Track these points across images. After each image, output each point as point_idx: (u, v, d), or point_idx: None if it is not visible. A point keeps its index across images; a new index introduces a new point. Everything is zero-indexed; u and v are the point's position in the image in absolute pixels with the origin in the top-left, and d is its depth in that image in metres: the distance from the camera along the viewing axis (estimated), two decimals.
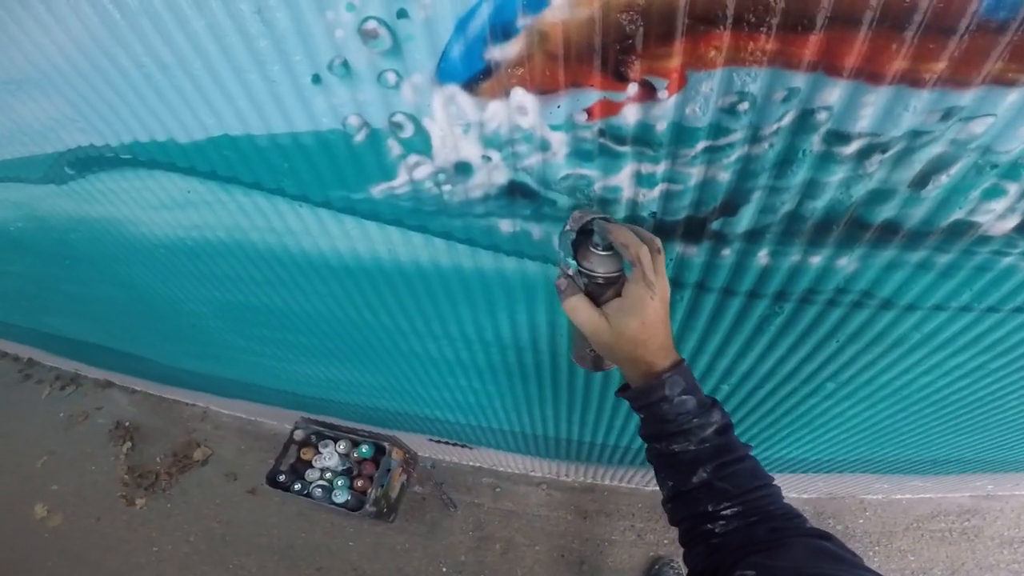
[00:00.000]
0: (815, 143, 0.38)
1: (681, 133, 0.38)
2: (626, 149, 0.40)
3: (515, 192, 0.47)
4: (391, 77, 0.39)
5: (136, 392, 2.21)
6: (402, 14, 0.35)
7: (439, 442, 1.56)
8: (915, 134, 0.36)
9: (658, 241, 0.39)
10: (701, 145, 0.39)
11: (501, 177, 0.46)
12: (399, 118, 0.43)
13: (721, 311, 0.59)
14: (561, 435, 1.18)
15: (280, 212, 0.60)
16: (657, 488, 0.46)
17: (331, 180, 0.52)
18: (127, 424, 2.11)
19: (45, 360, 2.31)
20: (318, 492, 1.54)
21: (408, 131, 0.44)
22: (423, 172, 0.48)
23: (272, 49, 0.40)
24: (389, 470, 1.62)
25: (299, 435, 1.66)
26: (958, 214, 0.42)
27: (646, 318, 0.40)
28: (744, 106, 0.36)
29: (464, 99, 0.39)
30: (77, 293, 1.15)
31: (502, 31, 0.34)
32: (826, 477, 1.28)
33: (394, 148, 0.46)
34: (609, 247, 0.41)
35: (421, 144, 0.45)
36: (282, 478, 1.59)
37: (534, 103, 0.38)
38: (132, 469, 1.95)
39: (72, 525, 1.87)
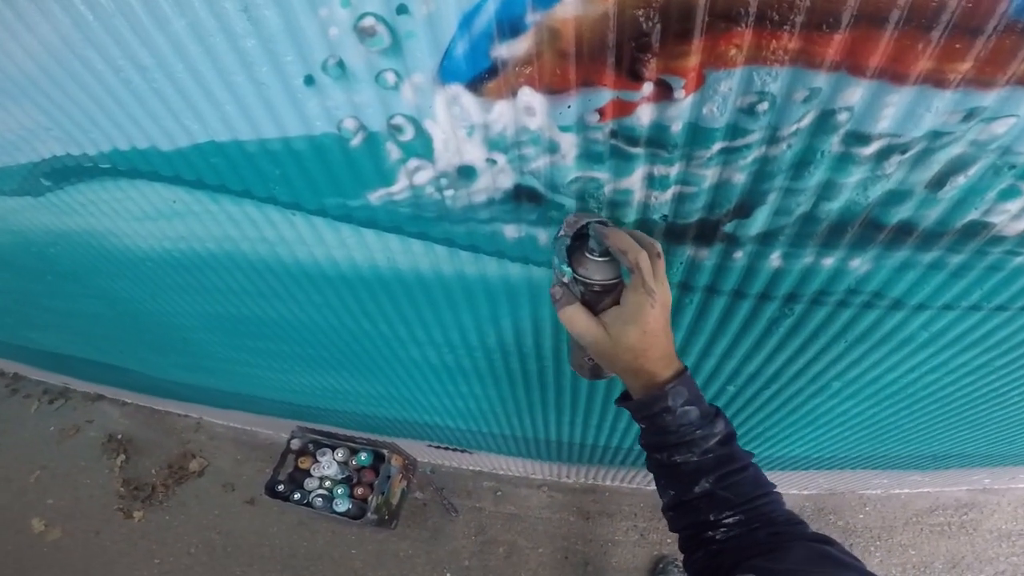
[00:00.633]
0: (834, 144, 0.37)
1: (697, 134, 0.37)
2: (639, 151, 0.39)
3: (521, 196, 0.46)
4: (390, 77, 0.37)
5: (127, 404, 2.16)
6: (402, 10, 0.32)
7: (439, 448, 1.54)
8: (935, 135, 0.35)
9: (658, 245, 0.38)
10: (717, 146, 0.37)
11: (507, 181, 0.44)
12: (399, 120, 0.41)
13: (731, 314, 0.58)
14: (563, 438, 1.17)
15: (272, 221, 0.57)
16: None
17: (326, 187, 0.50)
18: (120, 436, 2.06)
19: (32, 375, 2.25)
20: (319, 501, 1.52)
21: (408, 134, 0.42)
22: (424, 177, 0.46)
23: (260, 49, 0.37)
24: (389, 477, 1.59)
25: (296, 444, 1.63)
26: (973, 215, 0.41)
27: (646, 327, 0.38)
28: (763, 106, 0.34)
29: (468, 100, 0.37)
30: (61, 308, 1.11)
31: (510, 28, 0.32)
32: (827, 473, 1.29)
33: (393, 152, 0.44)
34: (606, 253, 0.39)
35: (422, 147, 0.43)
36: (281, 488, 1.57)
37: (543, 103, 0.36)
38: (127, 482, 1.92)
39: (72, 539, 1.84)
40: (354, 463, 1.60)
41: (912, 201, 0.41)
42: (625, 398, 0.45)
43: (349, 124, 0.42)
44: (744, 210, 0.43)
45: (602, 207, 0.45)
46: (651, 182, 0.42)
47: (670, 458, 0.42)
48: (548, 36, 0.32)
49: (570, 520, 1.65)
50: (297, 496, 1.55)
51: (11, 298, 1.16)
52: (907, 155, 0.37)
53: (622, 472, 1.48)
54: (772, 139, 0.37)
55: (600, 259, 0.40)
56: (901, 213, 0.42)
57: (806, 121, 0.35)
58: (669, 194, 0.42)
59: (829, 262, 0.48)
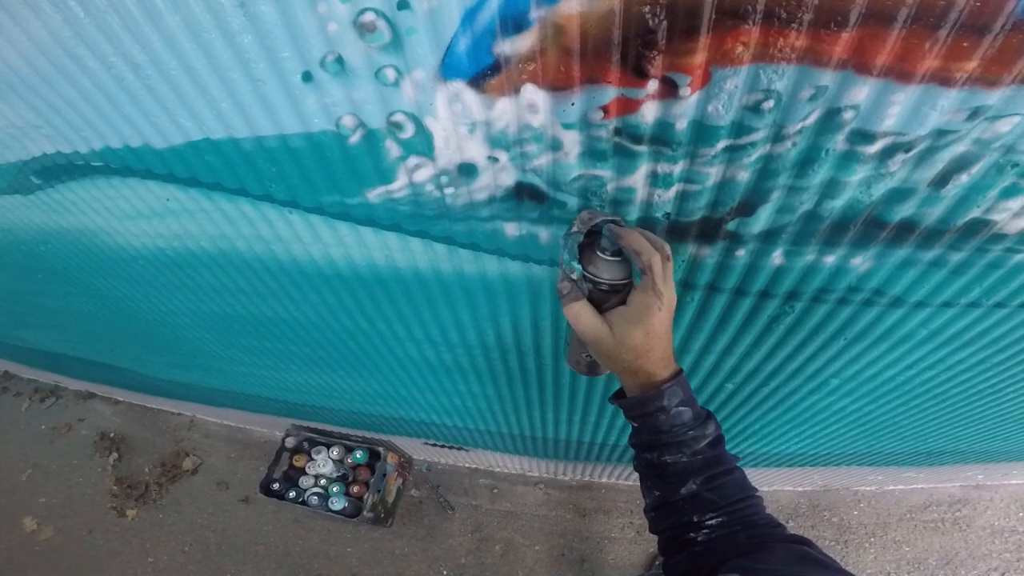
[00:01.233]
0: (839, 142, 0.36)
1: (702, 132, 0.36)
2: (643, 149, 0.38)
3: (523, 194, 0.45)
4: (390, 74, 0.36)
5: (119, 403, 2.14)
6: (403, 5, 0.32)
7: (435, 445, 1.53)
8: (940, 133, 0.35)
9: (667, 247, 0.38)
10: (722, 144, 0.37)
11: (508, 179, 0.44)
12: (399, 117, 0.40)
13: (731, 311, 0.58)
14: (560, 435, 1.17)
15: (268, 219, 0.56)
16: None
17: (323, 185, 0.49)
18: (112, 435, 2.04)
19: (23, 373, 2.22)
20: (314, 500, 1.51)
21: (408, 131, 0.41)
22: (424, 175, 0.45)
23: (257, 45, 0.36)
24: (385, 475, 1.59)
25: (291, 442, 1.62)
26: (975, 212, 0.41)
27: (651, 329, 0.39)
28: (769, 104, 0.34)
29: (470, 96, 0.37)
30: (52, 307, 1.09)
31: (513, 24, 0.31)
32: (822, 470, 1.30)
33: (393, 149, 0.43)
34: (617, 252, 0.39)
35: (422, 145, 0.42)
36: (276, 486, 1.56)
37: (546, 100, 0.36)
38: (120, 480, 1.90)
39: (64, 537, 1.82)
40: (349, 461, 1.60)
41: (915, 199, 0.41)
42: (619, 395, 0.45)
43: (348, 121, 0.41)
44: (747, 208, 0.43)
45: (605, 205, 0.44)
46: (654, 180, 0.41)
47: (660, 458, 0.42)
48: (552, 32, 0.31)
49: (566, 517, 1.65)
50: (292, 494, 1.54)
51: (3, 297, 1.14)
52: (911, 153, 0.37)
53: (618, 469, 1.49)
54: (777, 137, 0.36)
55: (611, 259, 0.39)
56: (904, 211, 0.42)
57: (811, 119, 0.35)
58: (672, 192, 0.42)
59: (831, 260, 0.48)
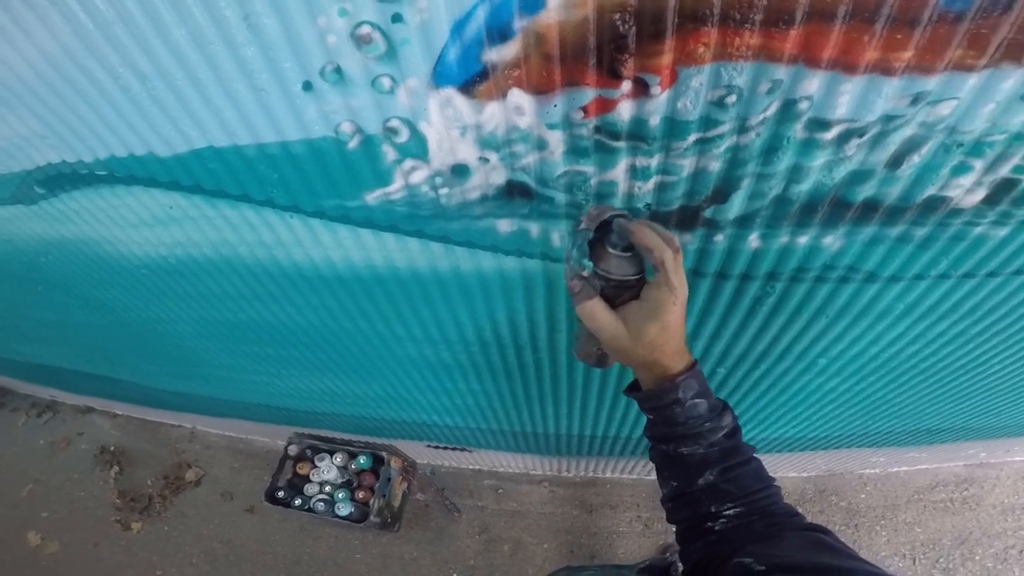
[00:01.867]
0: (798, 131, 0.40)
1: (673, 127, 0.39)
2: (621, 144, 0.41)
3: (513, 192, 0.48)
4: (386, 82, 0.39)
5: (118, 416, 2.13)
6: (397, 18, 0.35)
7: (438, 447, 1.55)
8: (888, 118, 0.39)
9: (676, 240, 0.38)
10: (693, 137, 0.40)
11: (499, 177, 0.47)
12: (394, 123, 0.43)
13: (716, 295, 0.61)
14: (562, 431, 1.19)
15: (270, 224, 0.59)
16: None
17: (323, 189, 0.51)
18: (112, 448, 2.03)
19: (19, 388, 2.20)
20: (320, 506, 1.52)
21: (403, 136, 0.44)
22: (419, 176, 0.48)
23: (260, 57, 0.39)
24: (389, 479, 1.60)
25: (294, 450, 1.63)
26: (931, 190, 0.45)
27: (666, 323, 0.39)
28: (732, 99, 0.37)
29: (461, 102, 0.39)
30: (51, 319, 1.10)
31: (499, 33, 0.34)
32: (824, 454, 1.32)
33: (389, 153, 0.46)
34: (629, 247, 0.39)
35: (417, 148, 0.45)
36: (281, 494, 1.56)
37: (531, 103, 0.39)
38: (123, 493, 1.89)
39: (70, 552, 1.81)
40: (353, 467, 1.60)
41: (874, 180, 0.44)
42: (633, 388, 0.45)
43: (346, 127, 0.44)
44: (721, 196, 0.46)
45: (589, 199, 0.47)
46: (634, 173, 0.44)
47: (676, 449, 0.42)
48: (534, 40, 0.35)
49: (573, 514, 1.66)
50: (298, 502, 1.55)
51: (0, 310, 1.15)
52: (864, 138, 0.40)
53: (622, 463, 1.51)
54: (742, 129, 0.40)
55: (622, 254, 0.39)
56: (866, 191, 0.45)
57: (771, 111, 0.38)
58: (651, 184, 0.45)
59: (804, 240, 0.51)
